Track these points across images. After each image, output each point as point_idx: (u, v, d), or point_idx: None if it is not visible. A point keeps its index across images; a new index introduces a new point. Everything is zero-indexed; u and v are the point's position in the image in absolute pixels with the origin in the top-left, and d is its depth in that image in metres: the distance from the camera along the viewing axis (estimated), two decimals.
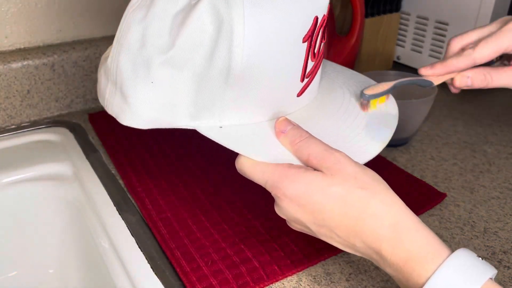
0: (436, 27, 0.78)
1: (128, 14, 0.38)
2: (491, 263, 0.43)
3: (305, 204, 0.33)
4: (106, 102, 0.40)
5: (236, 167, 0.37)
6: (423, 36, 0.81)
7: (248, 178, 0.37)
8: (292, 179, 0.34)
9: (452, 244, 0.45)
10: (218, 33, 0.34)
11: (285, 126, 0.37)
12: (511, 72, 0.47)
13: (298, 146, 0.35)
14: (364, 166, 0.34)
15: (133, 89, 0.37)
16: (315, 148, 0.35)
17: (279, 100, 0.39)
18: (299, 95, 0.40)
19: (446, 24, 0.76)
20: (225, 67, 0.35)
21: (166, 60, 0.36)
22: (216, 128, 0.38)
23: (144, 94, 0.37)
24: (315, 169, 0.34)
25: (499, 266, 0.43)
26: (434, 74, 0.48)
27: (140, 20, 0.37)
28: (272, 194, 0.36)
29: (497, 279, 0.41)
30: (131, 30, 0.37)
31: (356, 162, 0.34)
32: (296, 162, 0.36)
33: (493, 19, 0.70)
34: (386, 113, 0.44)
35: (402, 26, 0.84)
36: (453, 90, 0.50)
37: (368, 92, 0.43)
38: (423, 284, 0.30)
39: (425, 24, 0.80)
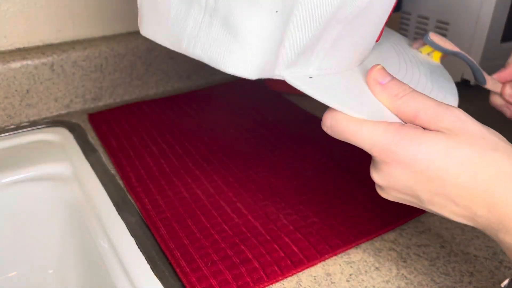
0: (437, 27, 0.78)
1: None
2: (492, 264, 0.43)
3: (424, 170, 0.29)
4: (190, 39, 0.29)
5: (326, 123, 0.32)
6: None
7: (343, 139, 0.32)
8: (410, 140, 0.29)
9: (453, 245, 0.45)
10: None
11: (384, 77, 0.32)
12: None
13: (403, 100, 0.31)
14: (483, 124, 0.30)
15: (252, 20, 0.27)
16: (426, 103, 0.30)
17: (368, 44, 0.34)
18: (377, 40, 0.36)
19: (447, 23, 0.76)
20: None
21: None
22: (306, 78, 0.31)
23: (266, 30, 0.28)
24: (425, 129, 0.30)
25: (500, 267, 0.42)
26: (498, 77, 0.44)
27: None
28: (378, 158, 0.31)
29: (497, 280, 0.41)
30: None
31: (475, 120, 0.30)
32: (398, 120, 0.31)
33: (494, 18, 0.70)
34: (436, 65, 0.41)
35: (403, 26, 0.84)
36: (508, 114, 0.46)
37: (433, 38, 0.40)
38: None
39: (425, 24, 0.80)
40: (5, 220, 0.58)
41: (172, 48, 0.30)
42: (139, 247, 0.44)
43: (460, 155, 0.29)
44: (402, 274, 0.42)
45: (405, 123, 0.31)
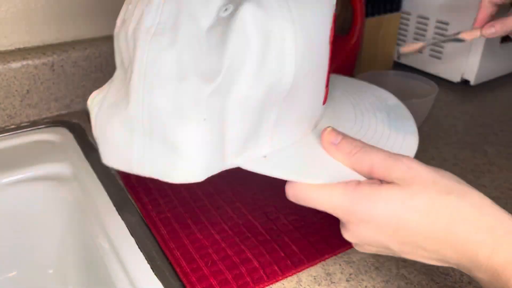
0: (436, 27, 0.78)
1: (147, 44, 0.31)
2: None
3: (386, 224, 0.30)
4: (138, 161, 0.32)
5: (289, 194, 0.34)
6: (424, 35, 0.81)
7: (308, 205, 0.33)
8: (367, 199, 0.31)
9: None
10: (267, 44, 0.30)
11: (336, 137, 0.34)
12: None
13: (356, 157, 0.32)
14: (435, 167, 0.32)
15: (184, 133, 0.30)
16: (377, 157, 0.32)
17: (313, 111, 0.36)
18: (323, 103, 0.38)
19: (447, 23, 0.76)
20: (275, 82, 0.31)
21: (215, 90, 0.30)
22: (261, 159, 0.34)
23: (198, 136, 0.30)
24: (381, 181, 0.31)
25: None
26: (478, 23, 0.54)
27: (168, 46, 0.30)
28: (343, 220, 0.32)
29: None
30: (160, 60, 0.30)
31: (425, 165, 0.31)
32: (356, 176, 0.32)
33: None
34: (395, 105, 0.43)
35: (403, 26, 0.84)
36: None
37: (403, 50, 0.47)
38: None
39: (425, 24, 0.80)
40: (5, 220, 0.58)
41: (127, 171, 0.33)
42: (139, 247, 0.44)
43: (416, 205, 0.30)
44: (402, 274, 0.42)
45: (365, 176, 0.32)
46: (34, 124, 0.66)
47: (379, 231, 0.31)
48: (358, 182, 0.32)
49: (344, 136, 0.34)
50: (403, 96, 0.59)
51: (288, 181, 0.33)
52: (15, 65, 0.64)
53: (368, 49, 0.80)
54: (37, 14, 0.66)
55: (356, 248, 0.35)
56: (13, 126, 0.66)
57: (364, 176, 0.33)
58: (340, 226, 0.34)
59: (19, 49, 0.67)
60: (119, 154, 0.33)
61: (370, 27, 0.78)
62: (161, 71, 0.30)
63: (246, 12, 0.29)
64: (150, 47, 0.31)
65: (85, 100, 0.71)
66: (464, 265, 0.31)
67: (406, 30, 0.83)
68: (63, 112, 0.70)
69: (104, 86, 0.37)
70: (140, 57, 0.31)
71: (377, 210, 0.30)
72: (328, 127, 0.34)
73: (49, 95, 0.68)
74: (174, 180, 0.32)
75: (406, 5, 0.82)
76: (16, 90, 0.65)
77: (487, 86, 0.79)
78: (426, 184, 0.30)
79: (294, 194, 0.33)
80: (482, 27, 0.53)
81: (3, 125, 0.66)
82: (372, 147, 0.33)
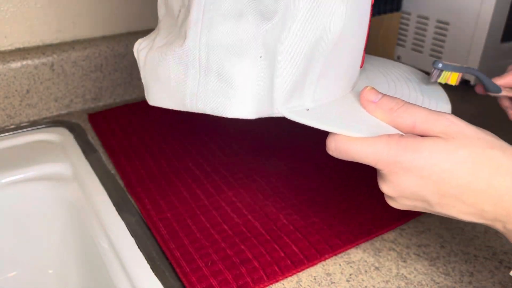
0: (436, 27, 0.78)
1: None
2: (491, 264, 0.43)
3: (429, 174, 0.31)
4: (192, 96, 0.33)
5: (330, 147, 0.34)
6: (424, 35, 0.80)
7: (349, 158, 0.33)
8: (412, 150, 0.31)
9: (453, 245, 0.45)
10: None
11: (376, 95, 0.34)
12: None
13: (398, 112, 0.33)
14: (477, 126, 0.32)
15: (240, 67, 0.32)
16: (420, 113, 0.32)
17: (352, 71, 0.38)
18: (361, 66, 0.39)
19: (447, 23, 0.76)
20: (323, 31, 0.32)
21: (271, 29, 0.31)
22: (303, 111, 0.35)
23: (254, 73, 0.32)
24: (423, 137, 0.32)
25: (500, 267, 0.42)
26: (504, 83, 0.48)
27: None
28: (385, 171, 0.32)
29: (498, 279, 0.41)
30: None
31: (468, 123, 0.32)
32: (396, 132, 0.33)
33: (494, 18, 0.70)
34: (423, 77, 0.44)
35: (403, 26, 0.84)
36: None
37: (444, 61, 0.44)
38: None
39: (425, 24, 0.80)
40: (5, 220, 0.58)
41: (177, 108, 0.34)
42: (139, 247, 0.44)
43: (460, 156, 0.31)
44: (402, 274, 0.42)
45: (404, 133, 0.33)
46: (33, 124, 0.66)
47: (421, 182, 0.31)
48: (402, 135, 0.32)
49: (385, 95, 0.35)
50: None
51: (330, 134, 0.34)
52: (14, 65, 0.64)
53: (368, 49, 0.80)
54: (37, 14, 0.66)
55: (390, 202, 0.35)
56: (12, 126, 0.66)
57: (405, 133, 0.33)
58: (379, 179, 0.34)
59: (19, 49, 0.67)
60: (171, 92, 0.34)
61: (370, 27, 0.78)
62: (220, 8, 0.31)
63: None
64: None
65: (85, 100, 0.71)
66: (499, 218, 0.31)
67: (406, 30, 0.83)
68: (63, 112, 0.70)
69: (150, 34, 0.38)
70: None
71: (421, 160, 0.31)
72: (367, 86, 0.35)
73: (49, 95, 0.68)
74: (227, 115, 0.32)
75: (406, 5, 0.82)
76: (16, 90, 0.65)
77: None
78: (470, 138, 0.31)
79: (336, 146, 0.33)
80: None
81: (2, 125, 0.66)
82: (413, 104, 0.33)
